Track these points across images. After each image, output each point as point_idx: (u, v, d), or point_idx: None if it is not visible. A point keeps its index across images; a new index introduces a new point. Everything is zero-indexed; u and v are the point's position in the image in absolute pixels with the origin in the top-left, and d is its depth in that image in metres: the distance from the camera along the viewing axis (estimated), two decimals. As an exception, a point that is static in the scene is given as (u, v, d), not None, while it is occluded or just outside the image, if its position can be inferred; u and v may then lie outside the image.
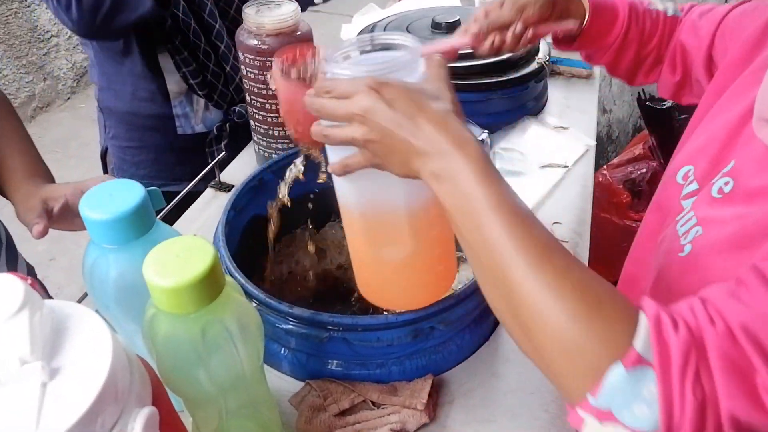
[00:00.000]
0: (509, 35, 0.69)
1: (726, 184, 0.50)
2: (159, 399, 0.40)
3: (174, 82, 1.04)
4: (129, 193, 0.47)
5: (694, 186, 0.55)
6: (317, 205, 0.90)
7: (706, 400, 0.35)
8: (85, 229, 0.70)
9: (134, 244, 0.48)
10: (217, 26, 1.01)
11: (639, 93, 1.53)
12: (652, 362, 0.36)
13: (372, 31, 1.22)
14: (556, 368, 0.40)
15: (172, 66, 1.02)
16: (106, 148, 1.18)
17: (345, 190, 0.56)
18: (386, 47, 0.53)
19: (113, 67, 1.05)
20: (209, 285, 0.42)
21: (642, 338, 0.36)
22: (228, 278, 0.46)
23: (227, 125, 1.09)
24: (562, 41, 0.76)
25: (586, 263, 0.84)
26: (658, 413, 0.35)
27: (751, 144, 0.50)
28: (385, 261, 0.59)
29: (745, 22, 0.62)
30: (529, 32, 0.69)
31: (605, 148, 2.02)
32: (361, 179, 0.52)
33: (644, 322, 0.37)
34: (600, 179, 1.55)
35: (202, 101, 1.07)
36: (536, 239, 0.41)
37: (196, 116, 1.09)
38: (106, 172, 1.21)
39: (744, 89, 0.55)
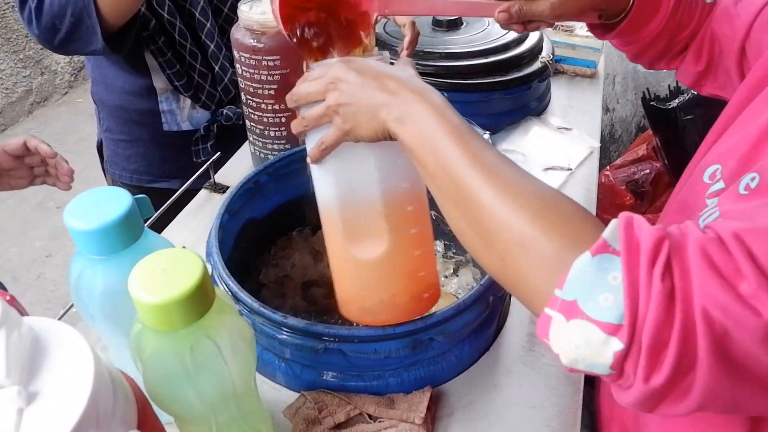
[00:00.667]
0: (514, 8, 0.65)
1: (752, 179, 0.48)
2: (145, 420, 0.38)
3: (160, 79, 1.03)
4: (116, 201, 0.45)
5: (720, 185, 0.53)
6: (312, 209, 0.88)
7: (675, 291, 0.33)
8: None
9: (122, 255, 0.46)
10: (209, 25, 0.98)
11: (644, 93, 1.50)
12: (618, 250, 0.34)
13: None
14: (521, 272, 0.40)
15: (155, 63, 1.00)
16: (101, 141, 1.18)
17: (322, 183, 0.56)
18: None
19: (103, 60, 1.04)
20: (198, 301, 0.40)
21: (610, 229, 0.35)
22: (218, 290, 0.44)
23: (215, 126, 1.08)
24: (599, 28, 0.73)
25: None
26: (622, 301, 0.33)
27: None
28: (363, 261, 0.57)
29: None
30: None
31: (608, 147, 2.00)
32: (336, 165, 0.54)
33: (614, 220, 0.36)
34: (603, 180, 1.53)
35: (188, 99, 1.06)
36: (489, 155, 0.44)
37: (182, 113, 1.08)
38: (103, 164, 1.21)
39: None
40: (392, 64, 0.55)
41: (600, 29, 0.72)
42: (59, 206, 2.48)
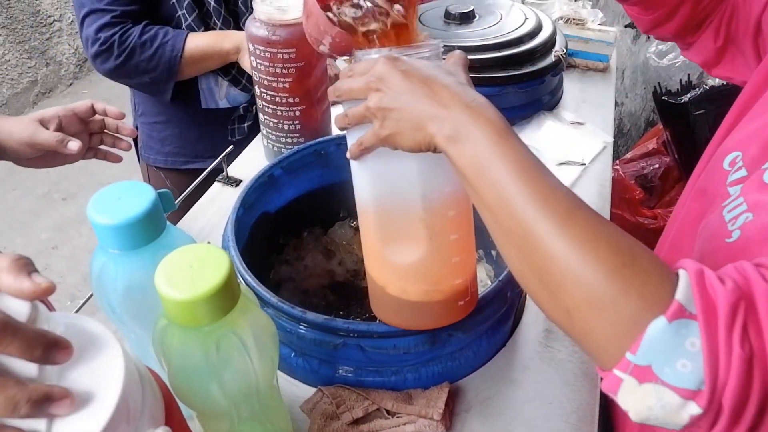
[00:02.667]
0: None
1: None
2: (171, 414, 0.38)
3: None
4: (139, 196, 0.45)
5: (742, 172, 0.52)
6: (325, 204, 0.88)
7: (753, 355, 0.33)
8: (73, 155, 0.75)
9: (144, 249, 0.46)
10: (248, 14, 1.00)
11: (655, 87, 1.49)
12: (695, 314, 0.34)
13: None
14: (589, 329, 0.38)
15: None
16: (136, 127, 1.19)
17: (361, 180, 0.53)
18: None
19: None
20: (224, 297, 0.39)
21: (683, 289, 0.34)
22: (242, 286, 0.44)
23: (254, 107, 1.11)
24: None
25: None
26: (702, 368, 0.33)
27: None
28: (398, 265, 0.55)
29: None
30: None
31: (616, 142, 1.99)
32: (377, 164, 0.51)
33: (684, 275, 0.35)
34: (614, 175, 1.53)
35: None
36: (561, 197, 0.39)
37: (220, 91, 1.10)
38: (138, 152, 1.23)
39: None
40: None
41: None
42: (65, 197, 2.48)
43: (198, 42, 0.99)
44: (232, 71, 1.07)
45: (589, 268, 0.36)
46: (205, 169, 0.96)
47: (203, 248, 0.41)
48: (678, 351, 0.33)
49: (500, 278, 0.62)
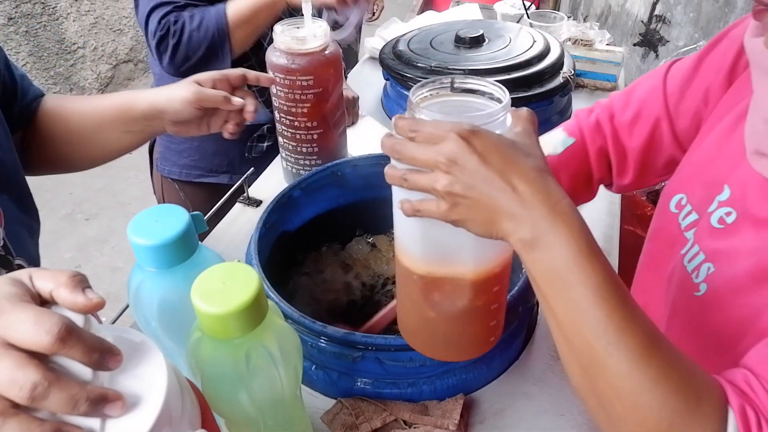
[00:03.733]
0: None
1: (727, 214, 0.50)
2: (206, 419, 0.41)
3: None
4: (174, 218, 0.49)
5: (693, 216, 0.55)
6: (342, 222, 0.91)
7: None
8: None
9: (178, 268, 0.49)
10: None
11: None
12: None
13: (396, 45, 1.24)
14: None
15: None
16: (154, 141, 1.25)
17: (408, 232, 0.49)
18: (468, 90, 0.48)
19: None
20: (254, 312, 0.43)
21: None
22: (270, 302, 0.47)
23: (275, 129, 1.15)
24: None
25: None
26: None
27: (742, 171, 0.50)
28: (438, 312, 0.53)
29: (696, 82, 0.62)
30: None
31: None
32: (431, 227, 0.46)
33: (732, 420, 0.38)
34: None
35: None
36: (638, 331, 0.39)
37: None
38: (152, 166, 1.28)
39: (727, 123, 0.56)
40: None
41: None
42: (87, 218, 2.55)
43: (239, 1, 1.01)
44: (266, 92, 1.11)
45: (654, 412, 0.37)
46: (218, 184, 1.01)
47: (234, 266, 0.45)
48: None
49: (512, 293, 0.65)
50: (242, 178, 0.96)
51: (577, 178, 0.71)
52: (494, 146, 0.40)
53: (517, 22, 1.45)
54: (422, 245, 0.49)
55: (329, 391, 0.67)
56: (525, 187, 0.40)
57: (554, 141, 0.71)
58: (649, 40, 1.97)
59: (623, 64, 1.32)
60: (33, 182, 0.89)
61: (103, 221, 2.54)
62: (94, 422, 0.34)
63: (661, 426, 0.38)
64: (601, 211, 0.97)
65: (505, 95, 0.45)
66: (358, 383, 0.65)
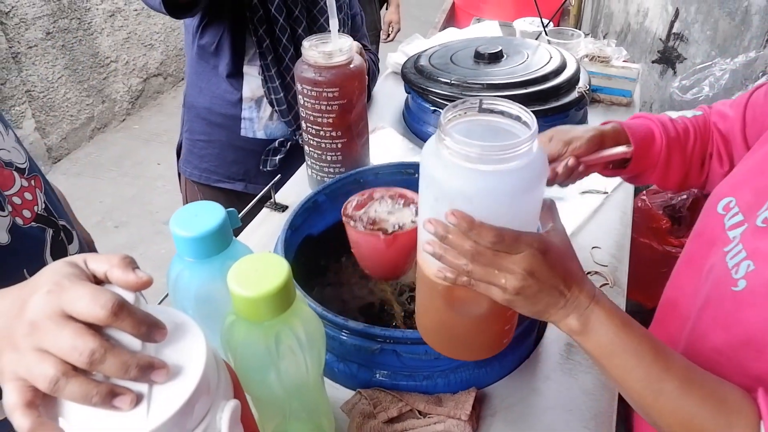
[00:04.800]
0: (560, 168, 0.73)
1: None
2: (237, 394, 0.46)
3: (249, 89, 1.18)
4: (212, 214, 0.54)
5: (739, 217, 0.58)
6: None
7: None
8: None
9: (214, 259, 0.54)
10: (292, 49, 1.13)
11: (679, 120, 1.54)
12: None
13: (417, 60, 1.29)
14: None
15: (252, 73, 1.16)
16: (181, 142, 1.32)
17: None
18: (496, 111, 0.52)
19: (203, 65, 1.20)
20: (284, 296, 0.47)
21: None
22: (297, 291, 0.52)
23: (288, 143, 1.22)
24: (611, 169, 0.80)
25: (625, 287, 0.87)
26: None
27: None
28: (456, 317, 0.58)
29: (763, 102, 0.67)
30: (581, 166, 0.74)
31: (645, 173, 2.03)
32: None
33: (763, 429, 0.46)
34: (639, 204, 1.57)
35: (268, 111, 1.20)
36: (675, 371, 0.50)
37: (260, 123, 1.22)
38: (178, 165, 1.36)
39: None
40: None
41: (612, 170, 0.80)
42: (117, 225, 2.63)
43: None
44: (284, 103, 1.17)
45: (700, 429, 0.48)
46: (234, 190, 1.06)
47: (266, 256, 0.49)
48: None
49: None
50: (269, 184, 1.01)
51: (692, 158, 0.77)
52: (560, 259, 0.51)
53: (536, 39, 1.49)
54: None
55: (349, 383, 0.71)
56: (576, 288, 0.51)
57: (686, 112, 0.79)
58: (667, 58, 1.99)
59: (639, 80, 1.35)
60: (64, 192, 0.94)
61: (132, 229, 2.62)
62: (142, 387, 0.38)
63: None
64: (615, 221, 1.00)
65: (533, 121, 0.49)
66: (377, 375, 0.69)
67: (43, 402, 0.38)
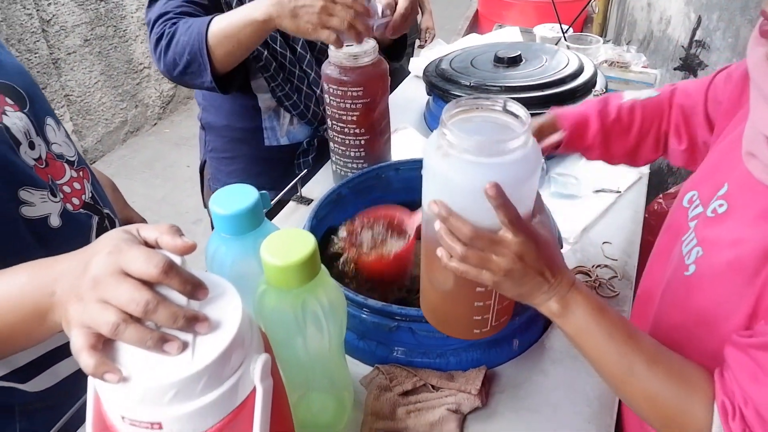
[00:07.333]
0: None
1: (720, 206, 0.58)
2: (268, 352, 0.51)
3: (263, 100, 1.20)
4: (246, 195, 0.60)
5: (699, 209, 0.62)
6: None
7: None
8: None
9: (248, 236, 0.60)
10: (308, 57, 1.16)
11: (697, 125, 1.57)
12: None
13: (439, 63, 1.34)
14: None
15: (260, 86, 1.17)
16: (204, 162, 1.36)
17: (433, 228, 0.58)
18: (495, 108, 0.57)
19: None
20: (310, 266, 0.53)
21: (717, 426, 0.51)
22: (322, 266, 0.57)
23: (315, 140, 1.24)
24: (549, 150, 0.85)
25: (634, 281, 0.91)
26: None
27: (740, 170, 0.58)
28: (434, 287, 0.64)
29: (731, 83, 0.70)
30: None
31: (665, 179, 2.04)
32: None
33: (716, 411, 0.51)
34: (656, 207, 1.59)
35: (287, 117, 1.22)
36: (644, 352, 0.55)
37: (281, 130, 1.24)
38: (203, 183, 1.40)
39: (733, 128, 0.63)
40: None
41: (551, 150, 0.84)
42: (147, 224, 2.73)
43: (228, 13, 0.97)
44: (300, 106, 1.19)
45: (664, 403, 0.53)
46: None
47: (295, 231, 0.55)
48: None
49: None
50: (296, 179, 1.07)
51: (647, 133, 0.82)
52: (546, 248, 0.56)
53: (555, 44, 1.53)
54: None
55: (368, 359, 0.76)
56: (559, 275, 0.57)
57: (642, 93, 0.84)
58: (689, 65, 2.01)
59: (656, 85, 1.38)
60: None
61: (161, 228, 2.71)
62: (187, 336, 0.44)
63: (668, 413, 0.53)
64: (626, 219, 1.04)
65: (527, 116, 0.54)
66: (394, 353, 0.74)
67: (103, 348, 0.44)
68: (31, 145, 0.70)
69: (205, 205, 1.43)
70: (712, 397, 0.52)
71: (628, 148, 0.83)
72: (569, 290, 0.57)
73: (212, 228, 0.65)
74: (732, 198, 0.58)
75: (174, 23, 1.01)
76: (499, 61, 1.28)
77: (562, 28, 1.64)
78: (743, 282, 0.53)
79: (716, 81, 0.75)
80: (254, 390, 0.47)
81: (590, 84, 1.22)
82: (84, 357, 0.42)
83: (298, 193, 1.09)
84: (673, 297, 0.63)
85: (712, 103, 0.75)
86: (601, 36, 2.39)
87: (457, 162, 0.52)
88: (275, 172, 1.25)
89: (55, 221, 0.72)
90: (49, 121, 0.76)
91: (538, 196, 0.60)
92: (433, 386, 0.71)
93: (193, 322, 0.44)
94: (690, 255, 0.60)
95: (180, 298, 0.45)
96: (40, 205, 0.69)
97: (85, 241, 0.79)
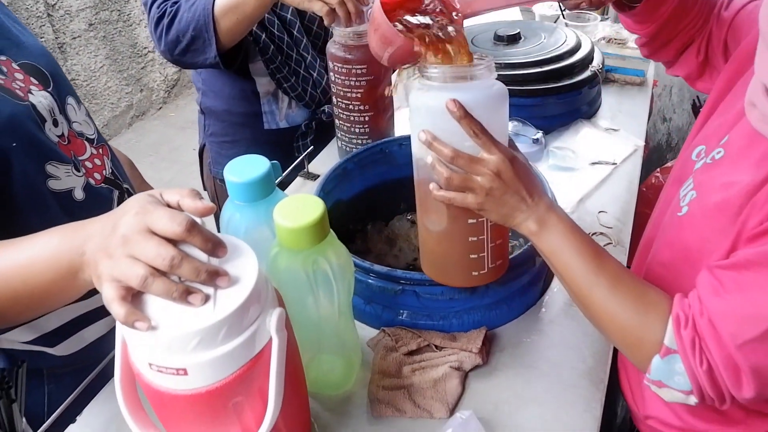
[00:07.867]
0: None
1: (718, 153, 0.61)
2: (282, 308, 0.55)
3: (262, 84, 1.22)
4: (259, 165, 0.64)
5: (704, 161, 0.66)
6: (388, 196, 1.04)
7: (711, 367, 0.53)
8: None
9: (260, 203, 0.64)
10: (305, 41, 1.18)
11: (694, 100, 1.59)
12: (677, 350, 0.54)
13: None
14: (623, 351, 0.62)
15: (258, 70, 1.19)
16: (204, 146, 1.38)
17: (424, 160, 0.65)
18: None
19: (211, 71, 1.24)
20: (320, 228, 0.57)
21: (669, 335, 0.55)
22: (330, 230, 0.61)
23: (313, 123, 1.27)
24: (622, 5, 0.80)
25: (627, 248, 0.95)
26: (688, 379, 0.54)
27: (742, 121, 0.60)
28: (430, 230, 0.70)
29: (754, 16, 0.68)
30: None
31: (664, 155, 2.07)
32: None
33: (670, 323, 0.55)
34: (653, 181, 1.62)
35: (286, 100, 1.24)
36: (609, 272, 0.60)
37: (280, 113, 1.27)
38: (202, 167, 1.43)
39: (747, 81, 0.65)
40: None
41: (620, 7, 0.81)
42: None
43: None
44: (297, 88, 1.21)
45: (623, 320, 0.58)
46: None
47: (305, 197, 0.59)
48: (673, 372, 0.55)
49: (525, 248, 0.77)
50: (303, 155, 1.11)
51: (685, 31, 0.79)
52: (523, 170, 0.62)
53: (554, 22, 1.56)
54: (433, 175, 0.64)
55: (375, 323, 0.80)
56: (536, 196, 0.62)
57: None
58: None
59: (652, 61, 1.41)
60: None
61: (168, 210, 2.76)
62: (209, 289, 0.48)
63: (626, 327, 0.58)
64: (622, 190, 1.07)
65: (490, 59, 0.62)
66: (399, 316, 0.78)
67: (132, 301, 0.48)
68: (55, 123, 0.74)
69: (205, 188, 1.46)
70: (668, 314, 0.56)
71: (675, 34, 0.79)
72: (546, 211, 0.62)
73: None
74: (730, 146, 0.61)
75: (175, 2, 1.04)
76: (498, 39, 1.31)
77: (560, 6, 1.66)
78: (728, 221, 0.56)
79: (744, 12, 0.72)
80: (270, 341, 0.51)
81: (587, 60, 1.25)
82: (115, 307, 0.46)
83: (305, 169, 1.13)
84: (665, 236, 0.67)
85: (731, 36, 0.72)
86: (600, 14, 2.41)
87: (434, 90, 0.61)
88: (275, 155, 1.24)
89: (79, 194, 0.76)
90: (70, 100, 0.79)
91: (512, 142, 0.65)
92: (436, 346, 0.75)
93: (214, 276, 0.48)
94: (685, 198, 0.63)
95: (201, 256, 0.49)
96: (65, 179, 0.73)
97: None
